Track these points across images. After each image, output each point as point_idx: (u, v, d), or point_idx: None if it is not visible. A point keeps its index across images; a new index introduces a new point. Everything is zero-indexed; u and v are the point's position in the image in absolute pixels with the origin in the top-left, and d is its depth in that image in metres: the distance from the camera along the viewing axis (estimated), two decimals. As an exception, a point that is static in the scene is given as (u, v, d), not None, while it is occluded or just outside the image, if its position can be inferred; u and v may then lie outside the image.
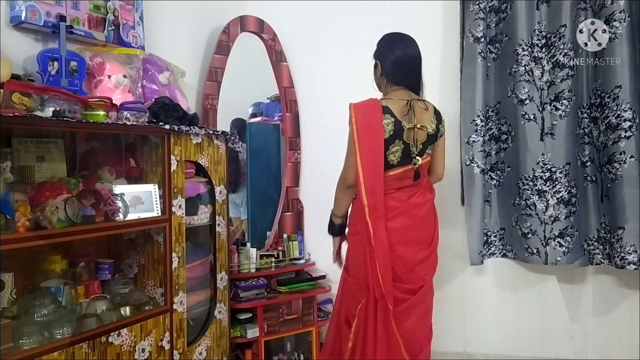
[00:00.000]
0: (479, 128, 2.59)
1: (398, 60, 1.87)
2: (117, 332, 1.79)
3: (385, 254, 1.79)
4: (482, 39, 2.59)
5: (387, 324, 1.81)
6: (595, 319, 2.65)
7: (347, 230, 2.01)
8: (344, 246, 2.05)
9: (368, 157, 1.80)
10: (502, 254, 2.68)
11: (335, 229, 2.01)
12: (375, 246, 1.79)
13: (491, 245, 2.66)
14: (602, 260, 2.53)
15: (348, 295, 1.95)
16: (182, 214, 2.06)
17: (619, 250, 2.40)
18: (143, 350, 1.89)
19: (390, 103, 1.85)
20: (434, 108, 1.95)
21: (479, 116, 2.59)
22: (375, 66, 1.95)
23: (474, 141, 2.59)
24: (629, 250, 2.37)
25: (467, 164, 2.60)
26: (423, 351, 1.92)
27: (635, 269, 2.37)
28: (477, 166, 2.59)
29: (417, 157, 1.87)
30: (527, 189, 2.53)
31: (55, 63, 1.78)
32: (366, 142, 1.80)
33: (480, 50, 2.59)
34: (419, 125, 1.85)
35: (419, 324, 1.91)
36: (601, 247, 2.53)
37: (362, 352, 1.85)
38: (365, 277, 1.84)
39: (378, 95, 1.98)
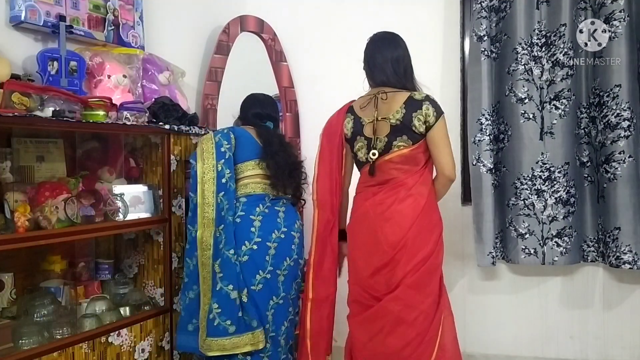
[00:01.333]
0: (484, 127, 2.58)
1: (371, 61, 1.88)
2: (117, 332, 1.79)
3: (318, 240, 1.90)
4: (485, 38, 2.59)
5: (303, 309, 1.92)
6: (595, 319, 2.65)
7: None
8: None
9: (323, 155, 1.93)
10: (502, 255, 2.68)
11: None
12: (317, 238, 1.90)
13: (495, 247, 2.65)
14: (597, 258, 2.54)
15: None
16: (182, 214, 2.06)
17: (614, 250, 2.40)
18: (143, 350, 1.89)
19: (355, 102, 1.91)
20: (413, 97, 1.79)
21: (484, 115, 2.58)
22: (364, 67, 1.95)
23: (479, 140, 2.58)
24: (624, 250, 2.37)
25: (474, 163, 2.59)
26: None
27: (630, 268, 2.38)
28: (484, 166, 2.58)
29: (374, 151, 1.79)
30: (526, 189, 2.53)
31: (55, 63, 1.78)
32: (326, 146, 1.93)
33: (483, 49, 2.58)
34: (380, 117, 1.78)
35: (398, 353, 1.74)
36: (596, 245, 2.54)
37: None
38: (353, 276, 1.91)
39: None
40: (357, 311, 1.87)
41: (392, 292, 1.75)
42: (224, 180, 1.88)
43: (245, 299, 1.86)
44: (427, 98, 1.81)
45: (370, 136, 1.80)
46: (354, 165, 1.95)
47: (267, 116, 2.11)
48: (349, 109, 1.90)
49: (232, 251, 1.85)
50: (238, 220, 1.90)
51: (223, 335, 1.82)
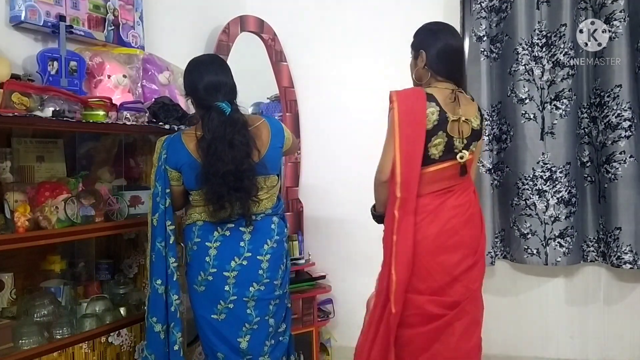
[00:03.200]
0: (484, 127, 2.58)
1: (445, 51, 1.69)
2: (116, 332, 1.79)
3: (408, 254, 1.61)
4: (485, 38, 2.59)
5: (388, 330, 1.62)
6: (595, 319, 2.65)
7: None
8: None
9: (407, 148, 1.61)
10: (503, 255, 2.68)
11: (376, 218, 1.81)
12: (397, 242, 1.60)
13: (494, 247, 2.66)
14: (597, 258, 2.54)
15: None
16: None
17: (615, 250, 2.41)
18: (143, 350, 1.89)
19: (434, 91, 1.67)
20: (478, 105, 1.80)
21: (483, 115, 2.58)
22: (417, 57, 1.75)
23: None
24: (625, 250, 2.38)
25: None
26: None
27: (630, 268, 2.38)
28: (483, 166, 2.58)
29: (464, 151, 1.69)
30: (527, 189, 2.53)
31: (55, 63, 1.78)
32: (407, 131, 1.61)
33: (483, 49, 2.59)
34: (464, 118, 1.67)
35: (461, 342, 1.66)
36: (596, 245, 2.55)
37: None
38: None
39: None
40: (420, 322, 1.65)
41: (472, 294, 1.70)
42: (159, 241, 1.72)
43: (171, 334, 1.71)
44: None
45: (453, 135, 1.67)
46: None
47: (220, 86, 1.69)
48: (429, 97, 1.64)
49: (159, 281, 1.71)
50: (195, 247, 1.73)
51: None
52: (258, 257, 1.73)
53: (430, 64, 1.70)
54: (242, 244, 1.72)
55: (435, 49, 1.69)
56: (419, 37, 1.77)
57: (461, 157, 1.69)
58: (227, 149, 1.62)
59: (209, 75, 1.70)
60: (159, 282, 1.71)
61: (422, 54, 1.71)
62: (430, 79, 1.72)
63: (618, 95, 2.39)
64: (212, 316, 1.72)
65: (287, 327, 1.89)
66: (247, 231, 1.72)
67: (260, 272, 1.73)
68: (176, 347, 1.73)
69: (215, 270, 1.70)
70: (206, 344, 1.79)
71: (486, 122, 2.59)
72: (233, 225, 1.72)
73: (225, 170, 1.61)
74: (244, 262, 1.71)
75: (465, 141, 1.70)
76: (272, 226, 1.79)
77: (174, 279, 1.73)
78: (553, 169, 2.50)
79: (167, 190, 1.73)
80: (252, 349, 1.74)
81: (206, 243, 1.71)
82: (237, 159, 1.63)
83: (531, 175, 2.52)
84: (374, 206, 1.82)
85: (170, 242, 1.73)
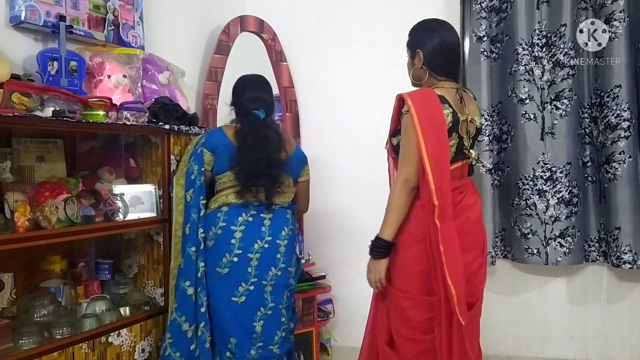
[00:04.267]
0: (484, 127, 2.59)
1: (443, 48, 1.66)
2: (116, 332, 1.79)
3: (458, 260, 1.54)
4: (485, 38, 2.59)
5: (461, 341, 1.56)
6: (595, 319, 2.65)
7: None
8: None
9: (434, 151, 1.54)
10: (503, 255, 2.68)
11: (385, 249, 1.63)
12: (446, 252, 1.52)
13: (494, 247, 2.66)
14: (598, 258, 2.55)
15: (395, 313, 1.67)
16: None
17: (615, 249, 2.41)
18: (143, 350, 1.89)
19: (444, 92, 1.63)
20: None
21: (483, 115, 2.58)
22: (414, 56, 1.71)
23: (479, 140, 2.59)
24: (624, 249, 2.38)
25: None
26: None
27: (630, 267, 2.38)
28: (483, 166, 2.58)
29: (471, 151, 1.69)
30: (527, 189, 2.53)
31: (55, 63, 1.78)
32: (430, 134, 1.55)
33: (483, 50, 2.59)
34: (470, 117, 1.67)
35: (471, 344, 1.62)
36: (597, 245, 2.55)
37: None
38: (426, 293, 1.61)
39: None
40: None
41: (481, 294, 1.70)
42: (194, 212, 1.87)
43: (201, 333, 1.82)
44: None
45: (462, 135, 1.65)
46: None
47: (260, 100, 1.98)
48: (442, 99, 1.60)
49: (187, 282, 1.83)
50: (219, 231, 1.86)
51: None
52: (277, 241, 1.90)
53: (428, 63, 1.68)
54: (263, 228, 1.89)
55: (433, 47, 1.66)
56: (414, 36, 1.74)
57: (468, 157, 1.70)
58: (260, 140, 1.87)
59: (250, 91, 2.00)
60: (187, 283, 1.84)
61: (419, 53, 1.69)
62: (430, 79, 1.70)
63: (618, 96, 2.39)
64: (232, 299, 1.84)
65: (294, 327, 2.03)
66: (268, 217, 1.90)
67: (279, 256, 1.90)
68: (207, 345, 1.83)
69: (240, 251, 1.84)
70: (219, 330, 1.86)
71: (486, 122, 2.60)
72: (255, 211, 1.89)
73: (258, 156, 1.85)
74: (266, 245, 1.87)
75: (471, 140, 1.71)
76: (288, 216, 1.97)
77: (204, 281, 1.86)
78: (553, 169, 2.50)
79: (203, 169, 1.89)
80: (265, 334, 1.86)
81: (232, 227, 1.86)
82: (269, 149, 1.88)
83: (531, 175, 2.52)
84: (377, 239, 1.64)
85: (201, 247, 1.86)
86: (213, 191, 1.96)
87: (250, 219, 1.88)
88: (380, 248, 1.62)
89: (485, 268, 1.73)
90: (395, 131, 1.71)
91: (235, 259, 1.84)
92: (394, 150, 1.72)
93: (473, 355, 1.61)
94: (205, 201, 1.90)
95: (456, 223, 1.58)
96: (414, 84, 1.76)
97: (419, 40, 1.71)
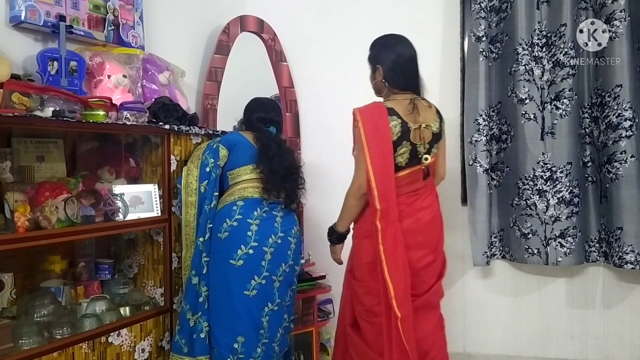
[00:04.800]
0: (481, 127, 2.59)
1: (400, 64, 1.82)
2: (116, 332, 1.79)
3: (398, 258, 1.73)
4: (484, 38, 2.59)
5: (397, 331, 1.71)
6: (595, 319, 2.65)
7: (351, 232, 1.95)
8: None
9: (378, 161, 1.74)
10: (502, 255, 2.68)
11: (337, 238, 1.95)
12: (385, 250, 1.72)
13: (492, 247, 2.66)
14: (598, 258, 2.55)
15: (355, 298, 1.89)
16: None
17: (617, 250, 2.41)
18: (143, 350, 1.89)
19: (394, 104, 1.80)
20: (436, 107, 1.93)
21: (481, 115, 2.58)
22: (374, 71, 1.88)
23: (476, 141, 2.59)
24: (626, 250, 2.38)
25: (470, 163, 2.60)
26: None
27: (632, 268, 2.38)
28: (480, 166, 2.58)
29: (426, 156, 1.83)
30: (528, 189, 2.53)
31: (55, 63, 1.78)
32: (375, 145, 1.74)
33: (482, 50, 2.59)
34: (424, 125, 1.81)
35: (433, 332, 1.86)
36: (598, 245, 2.55)
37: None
38: (374, 282, 1.78)
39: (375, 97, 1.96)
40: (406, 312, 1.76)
41: (431, 289, 1.86)
42: (207, 204, 1.93)
43: (197, 323, 1.87)
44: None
45: (416, 142, 1.80)
46: None
47: (270, 120, 2.11)
48: (390, 111, 1.77)
49: (194, 272, 1.89)
50: (235, 223, 1.89)
51: (179, 353, 1.88)
52: (289, 237, 1.97)
53: (386, 78, 1.83)
54: (276, 225, 1.94)
55: (390, 63, 1.82)
56: (374, 52, 1.90)
57: (425, 160, 1.83)
58: (279, 148, 2.01)
59: (261, 112, 2.11)
60: (193, 272, 1.89)
61: (379, 68, 1.85)
62: (388, 92, 1.87)
63: (618, 95, 2.39)
64: (244, 292, 1.86)
65: (292, 327, 2.07)
66: (279, 215, 1.97)
67: (289, 252, 1.97)
68: (202, 335, 1.86)
69: (256, 244, 1.88)
70: (228, 330, 1.87)
71: (484, 122, 2.59)
72: (268, 208, 1.95)
73: (281, 161, 1.98)
74: (279, 241, 1.93)
75: (427, 146, 1.84)
76: (295, 217, 2.06)
77: (204, 272, 1.90)
78: (553, 169, 2.50)
79: (218, 163, 1.96)
80: (270, 330, 1.91)
81: (247, 220, 1.90)
82: (285, 158, 2.01)
83: (531, 175, 2.52)
84: (332, 227, 1.95)
85: (206, 239, 1.90)
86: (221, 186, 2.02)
87: (264, 214, 1.93)
88: (332, 235, 1.95)
89: (438, 265, 1.89)
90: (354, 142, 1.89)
91: (251, 251, 1.87)
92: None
93: (410, 348, 1.71)
94: (217, 194, 1.96)
95: (405, 223, 1.78)
96: (376, 95, 1.95)
97: (378, 56, 1.87)
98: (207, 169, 1.94)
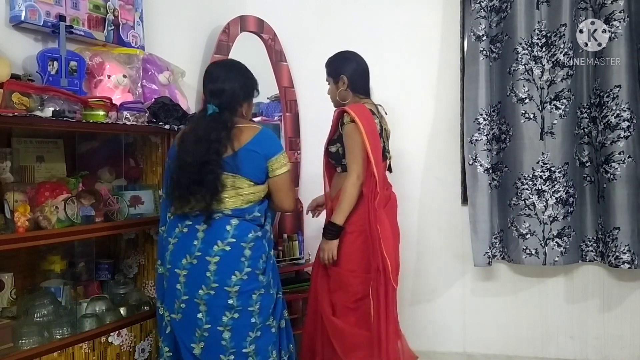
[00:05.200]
0: (481, 127, 2.58)
1: (362, 72, 2.09)
2: (116, 332, 1.79)
3: (390, 239, 1.97)
4: (484, 38, 2.59)
5: (393, 302, 1.98)
6: (595, 319, 2.65)
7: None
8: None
9: (375, 152, 1.94)
10: (502, 256, 2.68)
11: (337, 232, 1.98)
12: (381, 231, 1.93)
13: (493, 247, 2.66)
14: (595, 258, 2.55)
15: (342, 290, 2.00)
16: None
17: (613, 249, 2.41)
18: (143, 350, 1.89)
19: (371, 107, 2.04)
20: None
21: (481, 115, 2.58)
22: (338, 81, 2.08)
23: (477, 140, 2.58)
24: (623, 250, 2.38)
25: (470, 163, 2.59)
26: None
27: (628, 268, 2.38)
28: (481, 165, 2.58)
29: (389, 151, 2.14)
30: (527, 189, 2.53)
31: (55, 63, 1.78)
32: (371, 138, 1.94)
33: (482, 49, 2.59)
34: (386, 126, 2.12)
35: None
36: (595, 245, 2.55)
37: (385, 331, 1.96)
38: (367, 272, 1.96)
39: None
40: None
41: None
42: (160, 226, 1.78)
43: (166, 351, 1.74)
44: None
45: (385, 140, 2.08)
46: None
47: (212, 94, 1.72)
48: (371, 111, 2.01)
49: (159, 262, 1.75)
50: (162, 242, 1.74)
51: None
52: (207, 257, 1.63)
53: (351, 85, 2.06)
54: (195, 242, 1.64)
55: (354, 71, 2.07)
56: (335, 65, 2.11)
57: (389, 156, 2.14)
58: (193, 143, 1.64)
59: (212, 83, 1.74)
60: (159, 262, 1.76)
61: (343, 77, 2.06)
62: (353, 98, 2.07)
63: (617, 96, 2.39)
64: (171, 315, 1.69)
65: (256, 349, 1.67)
66: (202, 229, 1.64)
67: (208, 274, 1.62)
68: (167, 331, 1.71)
69: (170, 266, 1.68)
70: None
71: (484, 122, 2.60)
72: (191, 222, 1.66)
73: (188, 161, 1.62)
74: (194, 261, 1.63)
75: (389, 144, 2.15)
76: (228, 227, 1.64)
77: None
78: (552, 168, 2.50)
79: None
80: (207, 357, 1.65)
81: (169, 238, 1.70)
82: (200, 152, 1.62)
83: (530, 175, 2.52)
84: (331, 222, 1.98)
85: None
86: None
87: (185, 230, 1.66)
88: (333, 231, 1.98)
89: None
90: (331, 140, 2.07)
91: (167, 274, 1.69)
92: (331, 157, 2.09)
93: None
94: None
95: (385, 211, 2.01)
96: (337, 105, 2.11)
97: (340, 68, 2.09)
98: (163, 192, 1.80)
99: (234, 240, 1.64)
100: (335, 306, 2.02)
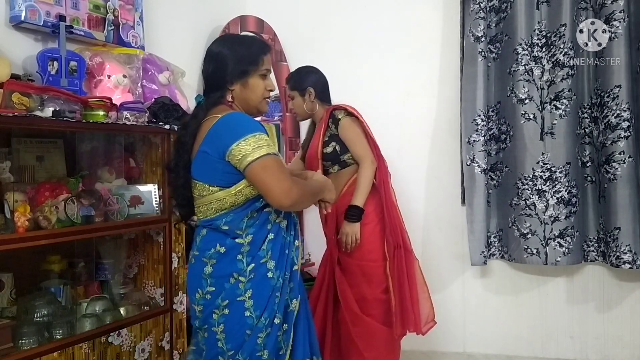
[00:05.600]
0: (479, 128, 2.59)
1: (324, 82, 2.19)
2: (116, 332, 1.79)
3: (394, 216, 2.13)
4: (483, 38, 2.59)
5: (417, 273, 2.13)
6: (595, 319, 2.65)
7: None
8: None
9: (375, 143, 2.11)
10: (501, 255, 2.68)
11: (359, 214, 2.04)
12: (398, 208, 2.14)
13: (491, 247, 2.66)
14: (597, 258, 2.55)
15: (366, 280, 2.05)
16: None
17: (614, 249, 2.41)
18: (143, 350, 1.89)
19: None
20: None
21: (479, 116, 2.59)
22: (304, 94, 2.14)
23: (475, 141, 2.59)
24: (624, 250, 2.38)
25: (468, 163, 2.60)
26: None
27: (629, 268, 2.38)
28: (478, 166, 2.59)
29: None
30: (527, 189, 2.53)
31: (55, 63, 1.78)
32: (368, 127, 2.11)
33: (480, 50, 2.59)
34: None
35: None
36: (596, 245, 2.55)
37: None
38: (384, 260, 2.05)
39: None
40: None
41: None
42: None
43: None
44: None
45: None
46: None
47: (205, 80, 1.47)
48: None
49: None
50: None
51: None
52: (191, 266, 1.45)
53: (319, 95, 2.15)
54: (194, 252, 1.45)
55: (318, 82, 2.16)
56: (299, 78, 2.17)
57: None
58: (180, 143, 1.41)
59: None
60: None
61: (309, 89, 2.14)
62: (320, 108, 2.15)
63: (617, 96, 2.39)
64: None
65: None
66: (198, 239, 1.43)
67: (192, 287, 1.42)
68: None
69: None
70: None
71: (482, 123, 2.60)
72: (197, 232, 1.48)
73: (170, 165, 1.47)
74: (192, 260, 1.45)
75: None
76: (197, 238, 1.43)
77: None
78: (553, 169, 2.50)
79: None
80: None
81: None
82: (175, 155, 1.43)
83: (531, 175, 2.52)
84: (354, 206, 2.02)
85: None
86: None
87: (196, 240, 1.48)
88: (356, 214, 2.03)
89: None
90: (324, 142, 2.10)
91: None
92: (326, 158, 2.11)
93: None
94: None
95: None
96: (305, 118, 2.22)
97: (306, 80, 2.15)
98: None
99: (197, 253, 1.41)
100: (362, 301, 2.03)
